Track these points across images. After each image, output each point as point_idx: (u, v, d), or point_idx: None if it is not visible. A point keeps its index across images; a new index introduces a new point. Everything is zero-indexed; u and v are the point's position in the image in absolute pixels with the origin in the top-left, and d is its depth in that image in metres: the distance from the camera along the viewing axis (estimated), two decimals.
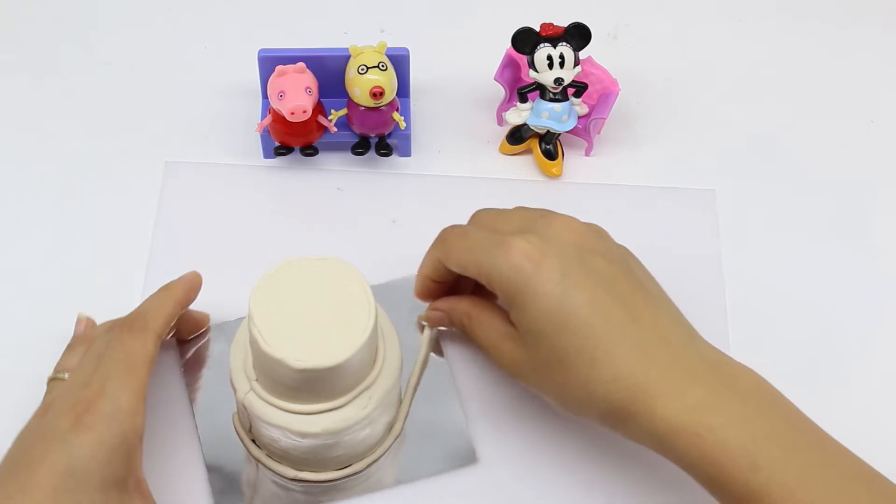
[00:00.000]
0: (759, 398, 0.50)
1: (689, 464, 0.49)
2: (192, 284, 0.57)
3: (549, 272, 0.50)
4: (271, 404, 0.52)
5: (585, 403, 0.51)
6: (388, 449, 0.57)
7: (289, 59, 0.63)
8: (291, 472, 0.56)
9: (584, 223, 0.55)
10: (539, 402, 0.57)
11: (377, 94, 0.62)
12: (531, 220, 0.54)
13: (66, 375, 0.53)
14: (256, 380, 0.52)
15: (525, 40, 0.64)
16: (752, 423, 0.48)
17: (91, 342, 0.54)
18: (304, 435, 0.52)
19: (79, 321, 0.58)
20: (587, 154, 0.69)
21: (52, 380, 0.54)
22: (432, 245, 0.57)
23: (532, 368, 0.52)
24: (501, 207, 0.58)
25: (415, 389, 0.58)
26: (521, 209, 0.57)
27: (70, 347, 0.56)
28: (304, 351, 0.49)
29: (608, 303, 0.50)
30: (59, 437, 0.47)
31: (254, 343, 0.50)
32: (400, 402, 0.58)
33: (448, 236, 0.56)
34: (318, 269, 0.52)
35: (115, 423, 0.48)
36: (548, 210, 0.56)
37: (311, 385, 0.50)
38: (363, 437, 0.54)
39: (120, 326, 0.52)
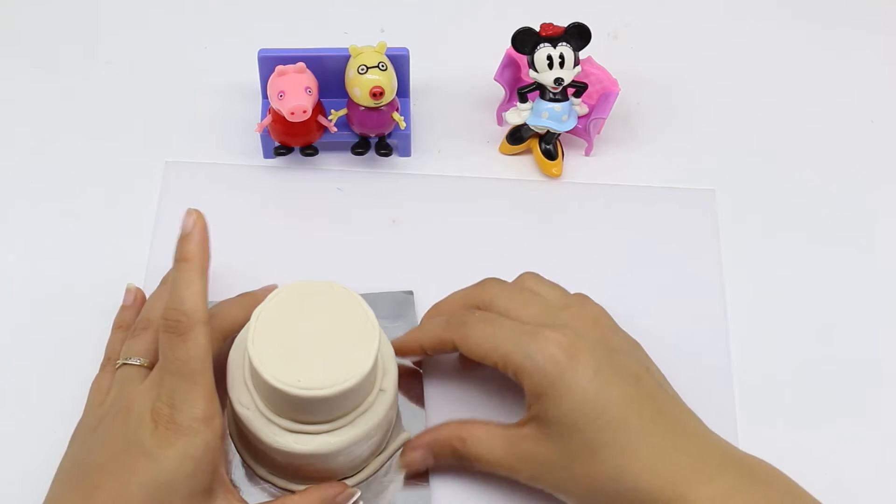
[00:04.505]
0: (778, 488, 0.51)
1: None
2: (196, 235, 0.51)
3: (584, 366, 0.51)
4: (249, 391, 0.52)
5: (614, 495, 0.51)
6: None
7: (289, 59, 0.63)
8: (245, 454, 0.56)
9: (599, 309, 0.57)
10: None
11: (377, 94, 0.62)
12: (554, 312, 0.55)
13: (139, 361, 0.54)
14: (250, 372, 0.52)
15: (525, 40, 0.64)
16: None
17: (151, 325, 0.55)
18: (257, 438, 0.52)
19: (128, 291, 0.60)
20: (587, 154, 0.69)
21: (123, 365, 0.55)
22: (445, 323, 0.56)
23: (559, 465, 0.52)
24: (507, 280, 0.58)
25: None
26: (533, 294, 0.57)
27: (133, 334, 0.56)
28: (282, 370, 0.49)
29: (638, 397, 0.52)
30: (145, 451, 0.48)
31: (245, 340, 0.51)
32: (372, 452, 0.56)
33: (468, 320, 0.55)
34: (335, 299, 0.51)
35: (195, 434, 0.48)
36: (561, 293, 0.57)
37: (280, 401, 0.50)
38: (315, 464, 0.54)
39: (163, 332, 0.49)
